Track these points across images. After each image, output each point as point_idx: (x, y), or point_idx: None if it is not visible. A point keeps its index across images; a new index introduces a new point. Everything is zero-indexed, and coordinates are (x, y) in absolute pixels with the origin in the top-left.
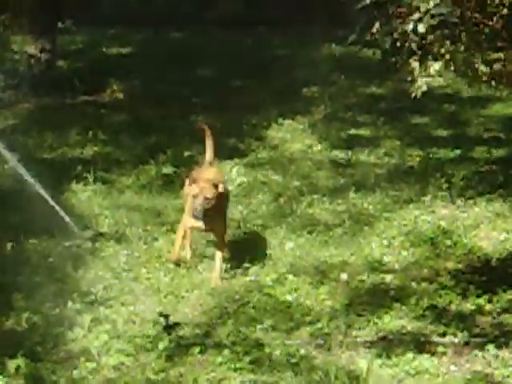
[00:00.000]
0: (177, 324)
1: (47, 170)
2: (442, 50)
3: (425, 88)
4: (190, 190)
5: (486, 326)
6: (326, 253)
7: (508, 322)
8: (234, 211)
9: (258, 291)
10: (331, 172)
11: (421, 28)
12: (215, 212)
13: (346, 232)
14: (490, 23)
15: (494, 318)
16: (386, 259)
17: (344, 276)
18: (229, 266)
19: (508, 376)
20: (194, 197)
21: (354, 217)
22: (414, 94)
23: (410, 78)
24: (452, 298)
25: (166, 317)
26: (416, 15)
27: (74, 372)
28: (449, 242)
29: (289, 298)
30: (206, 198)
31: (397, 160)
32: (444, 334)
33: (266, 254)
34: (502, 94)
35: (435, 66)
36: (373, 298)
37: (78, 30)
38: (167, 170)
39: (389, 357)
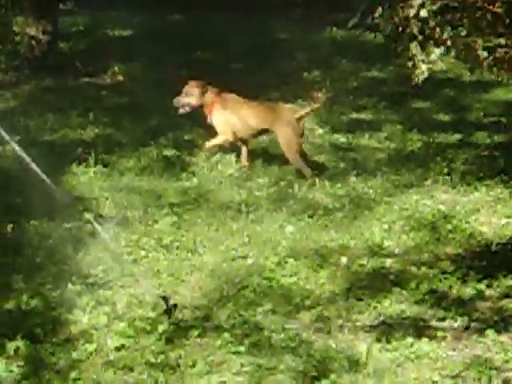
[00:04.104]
0: (176, 307)
1: (48, 152)
2: (444, 36)
3: (426, 74)
4: None
5: (486, 311)
6: (326, 237)
7: (508, 307)
8: (235, 194)
9: (258, 275)
10: (332, 156)
11: (423, 13)
12: None
13: (347, 216)
14: (492, 8)
15: (494, 303)
16: (386, 243)
17: (344, 260)
18: (229, 249)
19: (507, 361)
20: None
21: (354, 201)
22: (414, 81)
23: (411, 64)
24: (452, 283)
25: (166, 299)
26: (418, 0)
27: (74, 354)
28: (449, 227)
29: (288, 281)
30: None
31: (398, 144)
32: (444, 319)
33: (266, 238)
34: (503, 79)
35: (436, 52)
36: (373, 282)
37: (79, 11)
38: (168, 152)
39: (388, 341)
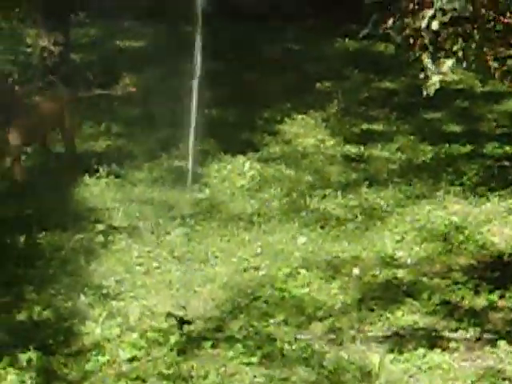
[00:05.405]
0: (189, 318)
1: (60, 164)
2: (455, 47)
3: (438, 85)
4: None
5: (498, 322)
6: (339, 247)
7: None
8: (247, 205)
9: (270, 285)
10: (344, 167)
11: (434, 25)
12: None
13: (359, 227)
14: (503, 20)
15: (506, 313)
16: (398, 254)
17: (356, 271)
18: (241, 260)
19: None
20: None
21: (366, 212)
22: (426, 92)
23: (422, 75)
24: (464, 294)
25: (180, 310)
26: (430, 12)
27: (86, 365)
28: (461, 238)
29: (301, 292)
30: None
31: (409, 155)
32: (456, 330)
33: (279, 249)
34: None
35: (448, 63)
36: (385, 293)
37: (91, 22)
38: (180, 163)
39: (401, 352)
